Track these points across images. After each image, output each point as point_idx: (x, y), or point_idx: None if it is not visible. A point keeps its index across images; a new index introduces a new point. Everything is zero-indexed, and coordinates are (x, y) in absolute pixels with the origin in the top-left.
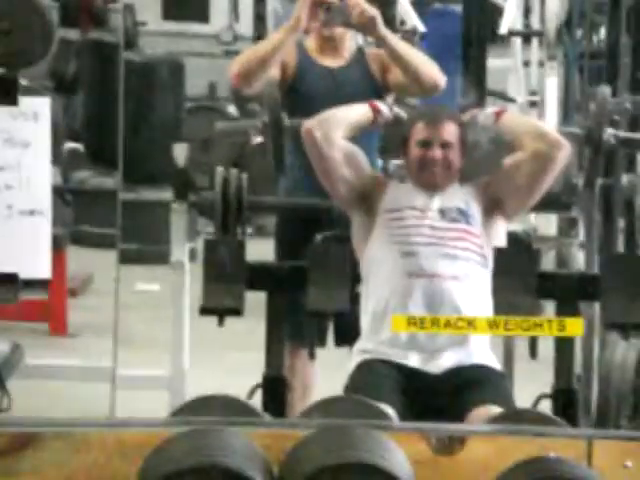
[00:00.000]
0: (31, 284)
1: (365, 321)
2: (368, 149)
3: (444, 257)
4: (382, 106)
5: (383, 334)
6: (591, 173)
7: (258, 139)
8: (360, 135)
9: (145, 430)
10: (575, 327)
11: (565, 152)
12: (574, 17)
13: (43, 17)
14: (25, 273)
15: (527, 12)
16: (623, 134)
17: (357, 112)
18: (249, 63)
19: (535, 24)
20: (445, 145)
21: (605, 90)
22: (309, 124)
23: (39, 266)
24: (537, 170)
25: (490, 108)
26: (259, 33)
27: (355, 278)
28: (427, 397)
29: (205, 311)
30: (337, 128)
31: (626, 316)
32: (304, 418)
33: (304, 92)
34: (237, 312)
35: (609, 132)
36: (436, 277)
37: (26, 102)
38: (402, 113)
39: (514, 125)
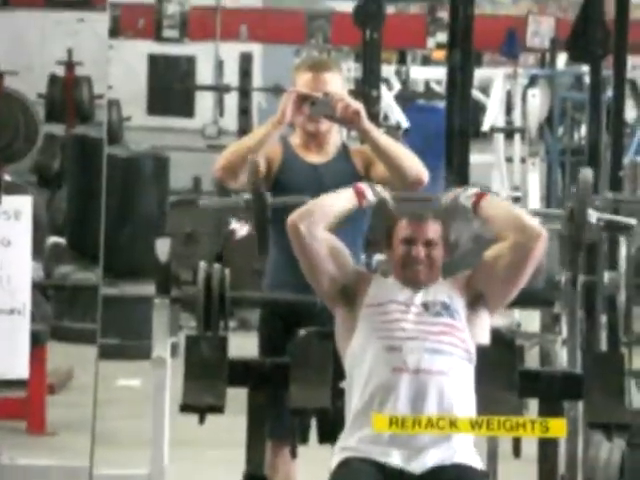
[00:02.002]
0: (9, 382)
1: (349, 417)
2: (352, 244)
3: (428, 352)
4: (367, 190)
5: (366, 430)
6: (573, 258)
7: (242, 233)
8: (344, 230)
9: None
10: (558, 428)
11: (543, 243)
12: (555, 114)
13: (28, 115)
14: (2, 373)
15: (509, 109)
16: (605, 216)
17: (342, 201)
18: (234, 157)
19: (517, 121)
20: (429, 243)
21: (587, 172)
22: (293, 217)
23: (17, 366)
24: (517, 262)
25: (471, 190)
26: (244, 128)
27: (338, 374)
28: None
29: (185, 408)
30: (321, 221)
31: (609, 416)
32: None
33: (288, 188)
34: (218, 410)
35: (591, 214)
36: (420, 372)
37: (8, 201)
38: (386, 195)
39: (493, 210)
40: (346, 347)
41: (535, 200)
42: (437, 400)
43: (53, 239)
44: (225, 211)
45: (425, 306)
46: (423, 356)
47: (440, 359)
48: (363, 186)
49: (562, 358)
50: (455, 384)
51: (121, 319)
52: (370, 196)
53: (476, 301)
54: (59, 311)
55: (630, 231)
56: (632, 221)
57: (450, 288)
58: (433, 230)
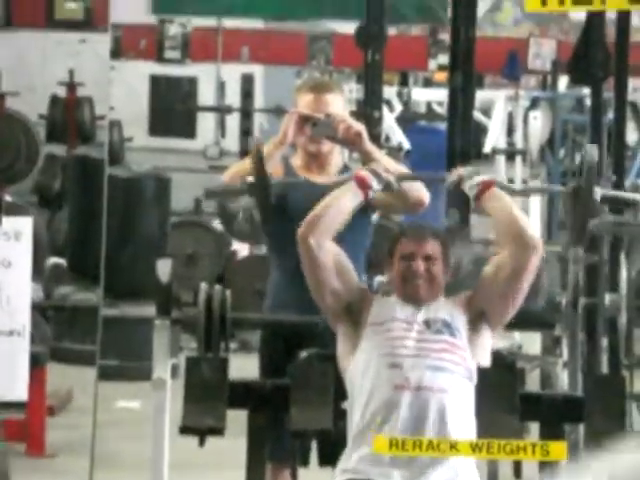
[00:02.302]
0: (8, 404)
1: (350, 434)
2: (354, 263)
3: (430, 369)
4: (369, 178)
5: (366, 449)
6: (578, 235)
7: (244, 254)
8: (346, 249)
9: None
10: (559, 451)
11: (539, 254)
12: (557, 137)
13: (29, 136)
14: (1, 395)
15: (511, 131)
16: (610, 192)
17: (347, 199)
18: (236, 178)
19: (519, 143)
20: (428, 258)
21: (592, 148)
22: (303, 230)
23: (16, 388)
24: (514, 274)
25: (478, 177)
26: (245, 149)
27: (339, 396)
28: None
29: (185, 430)
30: (330, 230)
31: (610, 439)
32: None
33: (290, 209)
34: (218, 432)
35: (596, 190)
36: (422, 389)
37: (9, 222)
38: (391, 178)
39: (495, 205)
40: (348, 366)
41: (536, 221)
42: (438, 418)
43: (53, 260)
44: (229, 195)
45: (427, 324)
46: (425, 373)
47: (441, 376)
48: (365, 175)
49: (563, 381)
50: (456, 402)
51: (121, 340)
52: (375, 185)
53: (477, 319)
54: (59, 332)
55: (635, 207)
56: (638, 197)
57: (452, 307)
58: (432, 246)
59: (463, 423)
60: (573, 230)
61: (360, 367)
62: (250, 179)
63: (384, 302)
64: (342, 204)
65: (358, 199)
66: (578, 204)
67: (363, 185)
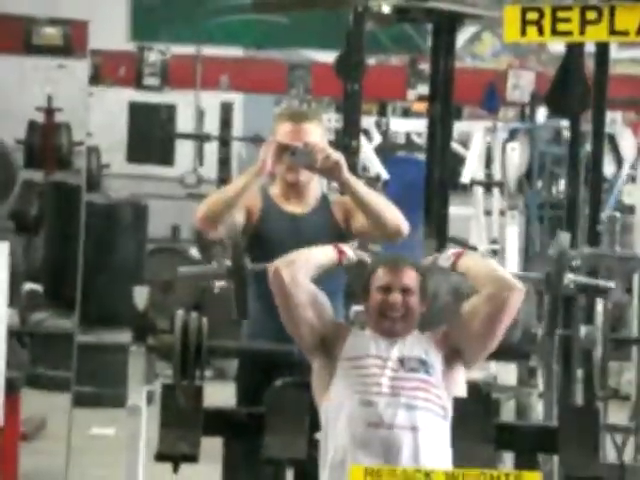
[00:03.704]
0: None
1: (323, 472)
2: (332, 298)
3: (403, 407)
4: (347, 249)
5: None
6: (551, 318)
7: (221, 284)
8: (324, 284)
9: None
10: None
11: (519, 295)
12: (534, 168)
13: (6, 161)
14: None
15: (489, 162)
16: (582, 279)
17: (323, 254)
18: (214, 206)
19: (497, 174)
20: (405, 290)
21: (565, 236)
22: (276, 265)
23: None
24: (492, 314)
25: (448, 251)
26: (223, 177)
27: (314, 425)
28: None
29: (160, 457)
30: (303, 269)
31: (584, 470)
32: None
33: (268, 238)
34: (193, 459)
35: (569, 277)
36: (395, 427)
37: None
38: (366, 257)
39: (471, 263)
40: (322, 398)
41: (513, 253)
42: (412, 456)
43: (29, 286)
44: (203, 278)
45: (401, 361)
46: (398, 412)
47: (415, 415)
48: (344, 246)
49: (538, 411)
50: (430, 440)
51: (96, 367)
52: (350, 254)
53: (453, 356)
54: (34, 358)
55: (607, 293)
56: (610, 284)
57: (427, 343)
58: (409, 277)
59: (437, 462)
60: (547, 316)
61: (334, 404)
62: (227, 262)
63: (359, 336)
64: (318, 254)
65: (332, 259)
66: (549, 291)
67: (340, 252)
